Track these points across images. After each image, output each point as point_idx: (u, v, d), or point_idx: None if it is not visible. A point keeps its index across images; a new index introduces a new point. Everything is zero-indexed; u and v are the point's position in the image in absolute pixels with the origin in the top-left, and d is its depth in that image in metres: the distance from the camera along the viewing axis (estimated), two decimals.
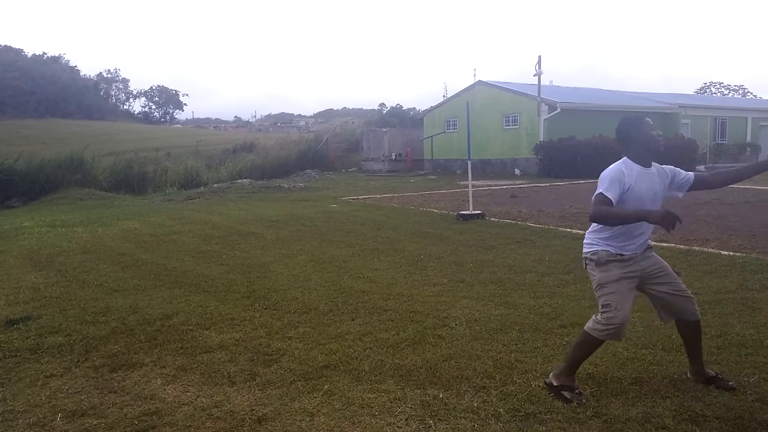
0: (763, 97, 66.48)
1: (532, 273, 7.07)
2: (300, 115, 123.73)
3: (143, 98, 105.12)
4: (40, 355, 4.81)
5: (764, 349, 4.35)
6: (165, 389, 4.04)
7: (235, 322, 5.48)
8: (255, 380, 4.13)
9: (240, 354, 4.66)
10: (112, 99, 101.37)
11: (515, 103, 28.60)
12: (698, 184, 3.88)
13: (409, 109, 55.48)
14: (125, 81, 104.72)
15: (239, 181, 25.27)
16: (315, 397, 3.81)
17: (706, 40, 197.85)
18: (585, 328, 3.77)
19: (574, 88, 35.69)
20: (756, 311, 5.26)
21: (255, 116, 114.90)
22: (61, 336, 5.25)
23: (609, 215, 3.58)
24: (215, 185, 23.96)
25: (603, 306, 3.69)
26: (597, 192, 3.65)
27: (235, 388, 4.03)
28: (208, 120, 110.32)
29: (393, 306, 5.83)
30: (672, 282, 3.80)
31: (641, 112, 29.86)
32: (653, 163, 3.82)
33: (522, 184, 21.80)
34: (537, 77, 27.00)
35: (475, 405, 3.61)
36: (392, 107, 58.56)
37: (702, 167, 27.23)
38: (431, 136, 32.83)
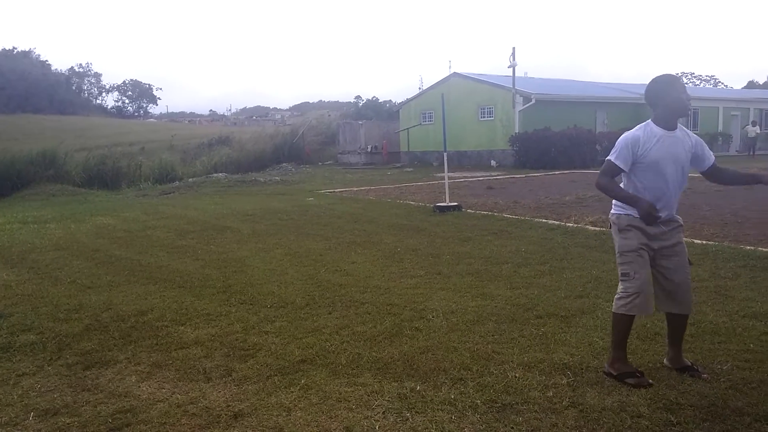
0: (734, 87, 67.46)
1: (508, 264, 7.10)
2: (276, 108, 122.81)
3: (116, 92, 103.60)
4: (12, 354, 4.71)
5: (737, 337, 4.41)
6: (139, 386, 3.99)
7: (210, 318, 5.43)
8: (231, 376, 4.10)
9: (216, 349, 4.62)
10: (84, 94, 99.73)
11: (490, 95, 28.72)
12: (713, 171, 3.94)
13: (385, 102, 55.38)
14: (98, 75, 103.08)
15: (215, 175, 25.07)
16: (292, 392, 3.79)
17: (677, 30, 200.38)
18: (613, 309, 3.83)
19: (549, 79, 35.92)
20: (729, 299, 5.34)
21: (230, 110, 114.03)
22: (34, 334, 5.15)
23: (607, 191, 3.76)
24: (190, 180, 23.75)
25: (622, 274, 3.76)
26: (607, 157, 3.74)
27: (210, 383, 3.98)
28: (182, 114, 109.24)
29: (370, 299, 5.82)
30: (682, 268, 3.81)
31: (615, 102, 30.16)
32: (681, 127, 3.81)
33: (498, 175, 21.91)
34: (511, 69, 27.14)
35: (453, 397, 3.61)
36: (368, 100, 58.35)
37: None
38: (407, 129, 32.85)
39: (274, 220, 11.53)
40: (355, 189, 17.91)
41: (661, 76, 3.81)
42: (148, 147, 37.13)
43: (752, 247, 7.36)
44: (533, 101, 26.78)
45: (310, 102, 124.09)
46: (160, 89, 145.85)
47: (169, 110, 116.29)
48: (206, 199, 16.61)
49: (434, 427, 3.28)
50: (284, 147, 35.09)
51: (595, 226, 9.41)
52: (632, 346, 4.30)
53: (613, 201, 3.90)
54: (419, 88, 36.44)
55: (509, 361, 4.13)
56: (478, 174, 22.86)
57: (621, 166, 3.69)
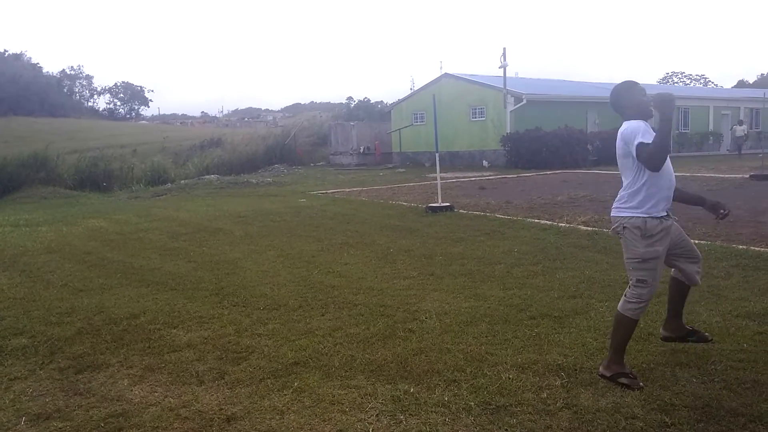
0: (724, 87, 67.86)
1: (501, 264, 7.11)
2: (267, 109, 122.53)
3: (108, 95, 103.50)
4: (4, 358, 4.68)
5: (730, 337, 4.43)
6: (132, 390, 3.96)
7: (203, 320, 5.40)
8: (224, 379, 4.08)
9: (208, 352, 4.60)
10: (76, 96, 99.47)
11: (482, 95, 28.75)
12: None
13: (376, 103, 55.36)
14: (89, 77, 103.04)
15: (207, 177, 25.00)
16: (285, 395, 3.77)
17: (667, 30, 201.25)
18: (618, 308, 3.81)
19: (540, 79, 36.01)
20: (721, 299, 5.36)
21: (222, 111, 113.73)
22: (25, 337, 5.12)
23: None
24: (182, 181, 23.67)
25: (638, 281, 3.72)
26: (637, 142, 3.57)
27: (203, 387, 3.96)
28: (174, 116, 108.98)
29: (363, 300, 5.81)
30: (688, 249, 3.97)
31: (606, 102, 30.23)
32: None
33: (490, 175, 21.95)
34: (502, 69, 27.18)
35: (446, 399, 3.61)
36: (360, 101, 58.31)
37: None
38: (399, 129, 32.85)
39: (266, 222, 11.51)
40: (348, 190, 17.89)
41: (619, 83, 3.96)
42: (140, 149, 37.07)
43: (744, 247, 7.40)
44: (524, 101, 26.83)
45: (302, 103, 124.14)
46: (152, 91, 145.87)
47: (161, 112, 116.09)
48: (198, 201, 16.56)
49: (428, 429, 3.27)
50: (276, 148, 35.01)
51: (588, 226, 9.43)
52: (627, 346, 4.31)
53: (621, 211, 3.80)
54: (411, 89, 36.51)
55: (503, 363, 4.12)
56: (470, 174, 22.88)
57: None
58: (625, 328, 3.80)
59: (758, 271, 6.24)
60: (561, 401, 3.51)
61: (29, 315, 5.79)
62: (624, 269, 3.96)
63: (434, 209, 11.75)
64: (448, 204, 12.12)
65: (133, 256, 8.59)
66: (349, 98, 66.89)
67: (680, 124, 34.52)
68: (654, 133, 3.57)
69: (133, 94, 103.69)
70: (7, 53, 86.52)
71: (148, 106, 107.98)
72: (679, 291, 4.09)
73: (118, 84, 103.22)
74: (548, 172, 22.07)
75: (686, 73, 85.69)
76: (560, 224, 9.70)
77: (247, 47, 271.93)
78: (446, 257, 7.67)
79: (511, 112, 27.09)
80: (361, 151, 33.39)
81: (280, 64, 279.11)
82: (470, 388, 3.74)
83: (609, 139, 25.70)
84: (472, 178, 20.57)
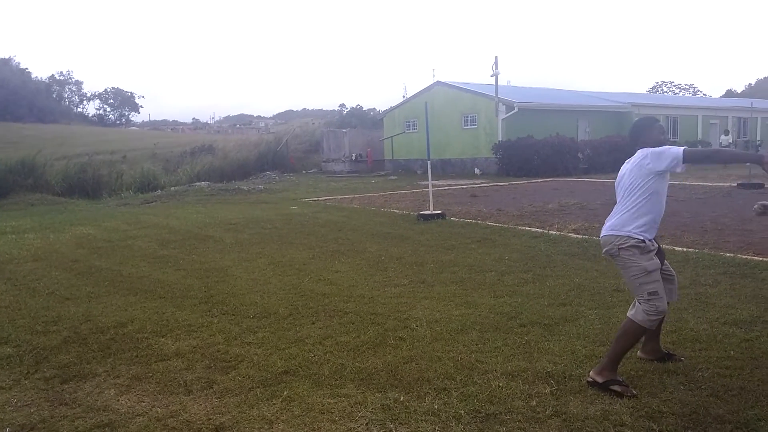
0: (713, 96, 68.41)
1: (492, 272, 7.11)
2: (259, 116, 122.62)
3: (97, 100, 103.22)
4: None
5: (717, 344, 4.44)
6: (118, 400, 3.93)
7: (192, 329, 5.37)
8: (212, 388, 4.05)
9: (197, 361, 4.56)
10: (65, 101, 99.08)
11: (474, 103, 28.86)
12: None
13: (369, 110, 55.55)
14: (78, 83, 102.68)
15: (197, 183, 24.93)
16: (274, 404, 3.75)
17: (657, 40, 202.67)
18: (630, 316, 3.83)
19: (531, 88, 36.18)
20: (709, 306, 5.38)
21: (213, 118, 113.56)
22: (10, 347, 5.06)
23: (715, 154, 4.42)
24: (173, 188, 23.60)
25: (650, 294, 3.75)
26: (674, 153, 3.67)
27: (191, 396, 3.93)
28: (165, 122, 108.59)
29: (354, 308, 5.79)
30: (666, 268, 4.08)
31: (597, 111, 30.45)
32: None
33: (482, 183, 21.99)
34: (494, 77, 27.28)
35: (436, 407, 3.59)
36: (352, 108, 58.58)
37: None
38: (391, 137, 32.89)
39: (257, 229, 11.47)
40: (339, 197, 17.88)
41: (642, 119, 4.22)
42: (129, 155, 36.92)
43: (732, 254, 7.44)
44: (516, 109, 26.95)
45: (294, 110, 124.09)
46: (143, 97, 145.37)
47: (152, 118, 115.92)
48: (189, 208, 16.49)
49: None
50: (268, 155, 34.99)
51: (578, 233, 9.46)
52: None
53: (617, 230, 3.89)
54: (403, 97, 36.53)
55: (493, 371, 4.12)
56: (461, 182, 22.93)
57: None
58: (634, 336, 3.83)
59: (745, 279, 6.28)
60: (550, 409, 3.51)
61: (14, 324, 5.73)
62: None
63: (426, 217, 11.75)
64: (439, 212, 12.12)
65: (122, 264, 8.53)
66: (342, 105, 67.25)
67: (669, 132, 34.73)
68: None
69: (123, 100, 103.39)
70: None
71: (139, 112, 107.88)
72: None
73: (108, 90, 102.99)
74: (539, 180, 22.14)
75: (675, 83, 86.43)
76: (551, 232, 9.72)
77: (240, 54, 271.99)
78: (437, 265, 7.66)
79: (502, 120, 27.19)
80: (354, 158, 33.42)
81: (273, 70, 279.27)
82: (460, 396, 3.74)
83: (599, 147, 25.89)
84: (464, 186, 20.61)
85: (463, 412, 3.52)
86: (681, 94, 77.41)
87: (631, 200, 3.86)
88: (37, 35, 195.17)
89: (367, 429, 3.39)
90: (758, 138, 38.37)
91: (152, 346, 4.95)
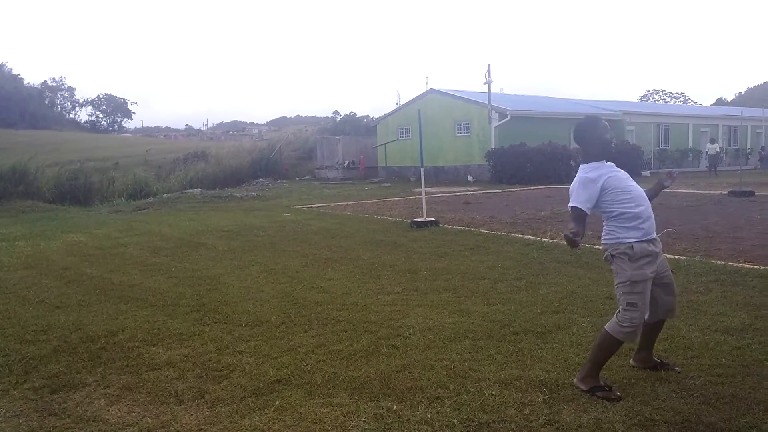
0: (703, 104, 68.91)
1: (485, 280, 7.11)
2: (253, 123, 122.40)
3: (90, 107, 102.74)
4: None
5: (709, 352, 4.45)
6: (109, 410, 3.89)
7: (183, 338, 5.33)
8: (204, 398, 4.02)
9: (188, 371, 4.53)
10: (57, 108, 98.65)
11: (467, 111, 28.95)
12: None
13: (362, 117, 55.46)
14: (71, 89, 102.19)
15: (190, 190, 24.85)
16: (266, 414, 3.72)
17: (648, 49, 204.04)
18: (606, 328, 3.85)
19: (524, 96, 36.35)
20: (701, 314, 5.39)
21: (206, 125, 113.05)
22: None
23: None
24: (165, 195, 23.48)
25: (628, 304, 3.76)
26: (570, 204, 3.86)
27: (182, 406, 3.90)
28: (158, 129, 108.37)
29: (347, 316, 5.78)
30: (668, 282, 4.02)
31: None
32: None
33: (475, 190, 22.03)
34: (487, 85, 27.39)
35: (429, 416, 3.58)
36: (346, 115, 58.49)
37: (647, 172, 27.99)
38: (385, 144, 32.93)
39: (250, 237, 11.44)
40: (333, 204, 17.87)
41: (585, 118, 4.15)
42: (122, 162, 36.78)
43: (723, 262, 7.47)
44: (509, 117, 27.04)
45: (288, 117, 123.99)
46: (135, 104, 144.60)
47: (144, 125, 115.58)
48: (181, 215, 16.43)
49: None
50: (261, 162, 34.91)
51: None
52: (607, 362, 4.31)
53: (608, 235, 3.93)
54: (397, 104, 36.63)
55: (486, 379, 4.11)
56: (455, 189, 22.96)
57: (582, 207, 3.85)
58: (609, 348, 3.86)
59: (736, 287, 6.30)
60: (543, 417, 3.50)
61: (3, 333, 5.68)
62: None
63: (419, 224, 11.75)
64: (433, 219, 12.13)
65: (113, 272, 8.48)
66: (335, 112, 67.18)
67: (660, 140, 34.95)
68: (590, 192, 3.84)
69: (115, 107, 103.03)
70: None
71: (131, 119, 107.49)
72: (654, 325, 4.10)
73: (101, 96, 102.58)
74: (532, 188, 22.20)
75: (667, 91, 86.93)
76: (543, 239, 9.73)
77: (233, 60, 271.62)
78: (431, 272, 7.66)
79: (495, 127, 27.28)
80: (347, 165, 33.43)
81: (266, 77, 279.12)
82: (453, 404, 3.72)
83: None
84: (457, 193, 20.63)
85: (456, 420, 3.51)
86: (672, 102, 77.91)
87: (611, 210, 3.90)
88: (29, 41, 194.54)
89: None
90: (748, 146, 38.64)
91: (143, 356, 4.91)
